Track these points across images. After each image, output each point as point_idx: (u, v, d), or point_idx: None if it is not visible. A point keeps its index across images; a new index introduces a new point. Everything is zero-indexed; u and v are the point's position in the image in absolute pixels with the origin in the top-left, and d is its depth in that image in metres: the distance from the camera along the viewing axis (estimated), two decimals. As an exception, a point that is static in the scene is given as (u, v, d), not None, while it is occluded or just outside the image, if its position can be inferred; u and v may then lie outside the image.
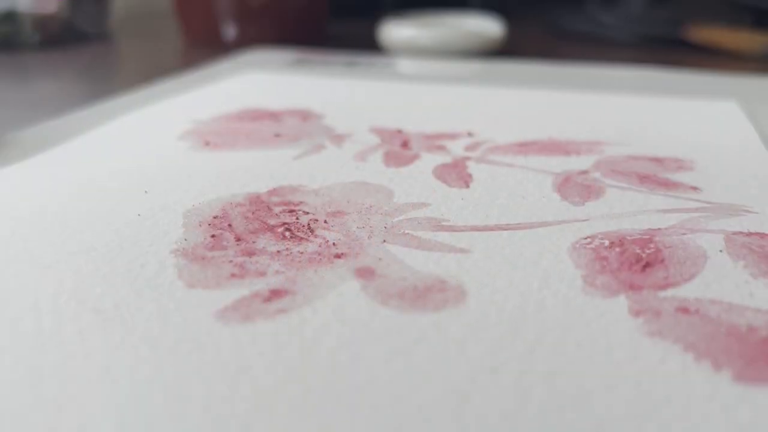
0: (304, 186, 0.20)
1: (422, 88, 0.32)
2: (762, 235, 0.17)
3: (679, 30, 0.48)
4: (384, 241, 0.17)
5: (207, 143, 0.24)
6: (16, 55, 0.47)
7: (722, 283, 0.15)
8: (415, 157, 0.22)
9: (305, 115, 0.28)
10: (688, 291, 0.14)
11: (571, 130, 0.25)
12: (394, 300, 0.14)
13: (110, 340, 0.13)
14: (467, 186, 0.20)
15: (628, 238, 0.17)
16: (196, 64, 0.40)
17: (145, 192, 0.20)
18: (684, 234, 0.17)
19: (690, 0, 0.66)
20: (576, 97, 0.30)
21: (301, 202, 0.19)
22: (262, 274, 0.15)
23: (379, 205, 0.19)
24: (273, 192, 0.20)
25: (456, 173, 0.21)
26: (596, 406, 0.11)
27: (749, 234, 0.17)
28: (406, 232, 0.17)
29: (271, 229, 0.17)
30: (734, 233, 0.17)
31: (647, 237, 0.17)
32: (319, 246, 0.16)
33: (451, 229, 0.17)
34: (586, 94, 0.31)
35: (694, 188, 0.20)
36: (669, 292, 0.14)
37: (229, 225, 0.17)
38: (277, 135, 0.25)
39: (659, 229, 0.17)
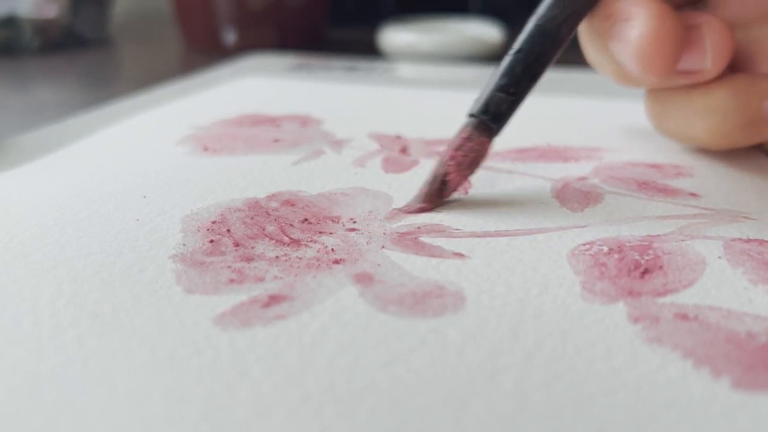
0: (303, 191, 0.20)
1: (422, 94, 0.32)
2: (761, 242, 0.17)
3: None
4: (383, 246, 0.17)
5: (206, 148, 0.24)
6: (16, 60, 0.48)
7: (721, 289, 0.15)
8: (414, 162, 0.22)
9: (304, 121, 0.28)
10: (687, 297, 0.14)
11: (570, 137, 0.25)
12: (392, 306, 0.14)
13: (108, 345, 0.13)
14: (466, 192, 0.20)
15: (627, 244, 0.17)
16: (196, 69, 0.40)
17: (144, 197, 0.20)
18: (683, 240, 0.17)
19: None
20: (575, 103, 0.30)
21: (301, 207, 0.19)
22: (261, 279, 0.15)
23: (378, 211, 0.19)
24: (272, 197, 0.20)
25: (455, 179, 0.21)
26: (595, 412, 0.11)
27: (748, 240, 0.17)
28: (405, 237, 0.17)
29: (269, 234, 0.17)
30: (733, 240, 0.17)
31: (646, 243, 0.17)
32: (318, 251, 0.16)
33: (450, 234, 0.17)
34: (586, 100, 0.31)
35: (693, 194, 0.20)
36: (668, 299, 0.14)
37: (228, 230, 0.17)
38: (276, 140, 0.25)
39: (658, 235, 0.17)
